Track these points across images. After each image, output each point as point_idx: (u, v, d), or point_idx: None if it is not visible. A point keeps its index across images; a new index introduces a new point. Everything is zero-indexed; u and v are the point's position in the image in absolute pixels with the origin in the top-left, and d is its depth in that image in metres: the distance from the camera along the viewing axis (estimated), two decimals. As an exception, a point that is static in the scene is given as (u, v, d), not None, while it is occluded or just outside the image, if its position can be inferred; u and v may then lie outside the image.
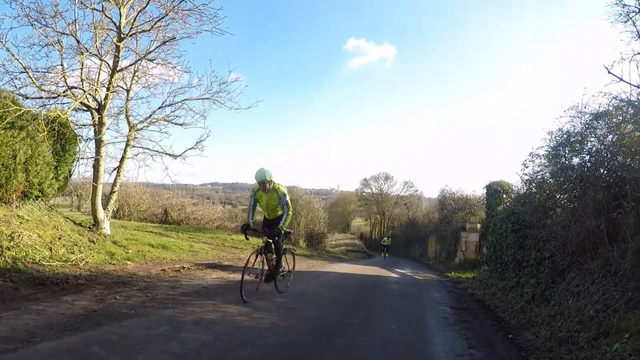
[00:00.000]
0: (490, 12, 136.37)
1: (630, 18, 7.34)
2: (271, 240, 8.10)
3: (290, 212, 8.19)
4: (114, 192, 12.99)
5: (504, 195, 15.84)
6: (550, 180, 10.52)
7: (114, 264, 9.99)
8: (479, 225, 22.12)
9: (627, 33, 7.41)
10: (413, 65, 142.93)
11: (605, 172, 8.28)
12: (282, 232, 8.06)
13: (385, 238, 38.96)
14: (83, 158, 12.11)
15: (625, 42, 7.47)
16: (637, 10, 7.21)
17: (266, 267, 8.16)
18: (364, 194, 64.07)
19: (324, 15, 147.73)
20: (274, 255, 8.37)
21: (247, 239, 8.45)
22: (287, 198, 8.12)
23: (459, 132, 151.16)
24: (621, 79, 7.55)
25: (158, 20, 12.28)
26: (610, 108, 8.48)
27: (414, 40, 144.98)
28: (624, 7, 7.40)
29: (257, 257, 7.82)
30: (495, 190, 16.61)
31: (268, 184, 7.89)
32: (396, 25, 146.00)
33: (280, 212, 8.26)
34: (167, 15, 12.22)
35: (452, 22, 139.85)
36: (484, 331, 7.15)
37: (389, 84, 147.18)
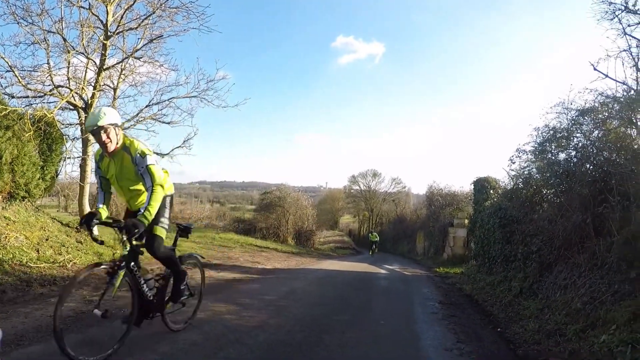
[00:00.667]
0: (481, 11, 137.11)
1: (616, 16, 7.43)
2: (138, 244, 4.60)
3: (160, 190, 4.48)
4: None
5: (492, 191, 15.98)
6: (537, 175, 10.62)
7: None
8: (466, 221, 22.26)
9: (613, 30, 7.51)
10: (402, 63, 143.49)
11: (591, 167, 8.38)
12: (148, 224, 4.40)
13: (372, 234, 36.04)
14: (70, 158, 12.03)
15: (611, 39, 7.58)
16: (623, 8, 7.31)
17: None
18: (352, 191, 64.06)
19: (313, 12, 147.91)
20: (162, 272, 5.27)
21: (99, 241, 4.81)
22: (151, 161, 4.41)
23: (447, 129, 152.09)
24: (607, 76, 7.66)
25: (145, 18, 12.23)
26: (596, 104, 8.58)
27: (403, 38, 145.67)
28: (610, 5, 7.50)
29: (110, 274, 4.22)
30: (482, 186, 16.74)
31: (106, 137, 4.26)
32: (385, 22, 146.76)
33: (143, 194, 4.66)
34: (154, 13, 12.18)
35: (442, 20, 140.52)
36: (473, 325, 7.21)
37: (377, 81, 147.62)
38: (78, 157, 11.99)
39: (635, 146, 7.27)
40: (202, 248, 16.58)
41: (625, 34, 7.29)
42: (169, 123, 13.59)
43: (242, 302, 7.45)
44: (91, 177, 12.24)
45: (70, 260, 9.18)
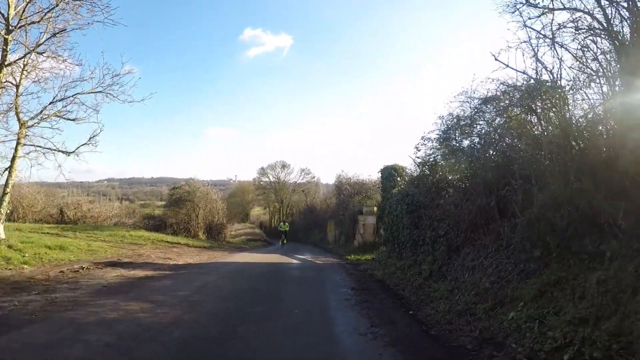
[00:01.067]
0: (386, 5, 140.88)
1: (518, 9, 7.70)
2: None
3: None
4: (7, 193, 12.11)
5: (399, 178, 16.40)
6: (442, 162, 10.96)
7: (10, 269, 9.46)
8: (375, 208, 22.74)
9: (514, 23, 7.79)
10: (309, 55, 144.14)
11: (494, 153, 8.76)
12: None
13: (282, 223, 34.85)
14: None
15: (512, 31, 7.86)
16: (524, 1, 7.59)
17: None
18: (261, 183, 63.58)
19: (220, 6, 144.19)
20: None
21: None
22: None
23: (355, 119, 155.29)
24: (507, 66, 7.95)
25: (48, 11, 11.73)
26: (498, 93, 8.95)
27: (310, 29, 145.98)
28: (511, -1, 7.77)
29: None
30: (389, 174, 17.14)
31: None
32: (293, 14, 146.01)
33: None
34: (57, 5, 11.81)
35: (348, 14, 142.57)
36: (385, 309, 7.34)
37: (285, 74, 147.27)
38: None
39: (536, 132, 7.63)
40: (112, 247, 15.83)
41: (526, 26, 7.58)
42: (74, 120, 13.11)
43: (155, 299, 7.33)
44: None
45: None
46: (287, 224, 34.32)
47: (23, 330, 5.12)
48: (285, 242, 31.82)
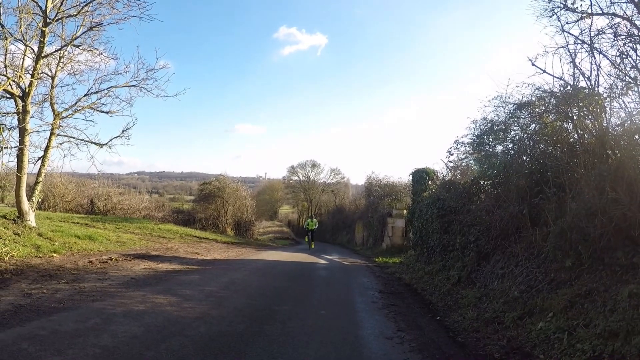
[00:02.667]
0: (421, 8, 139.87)
1: (555, 13, 7.60)
2: None
3: None
4: (39, 182, 12.41)
5: (430, 182, 16.26)
6: (475, 167, 10.85)
7: (40, 257, 9.61)
8: (405, 211, 22.63)
9: (551, 27, 7.69)
10: (343, 55, 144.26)
11: (527, 159, 8.62)
12: None
13: (310, 220, 27.87)
14: (7, 147, 11.40)
15: (549, 35, 7.76)
16: (561, 5, 7.47)
17: None
18: (291, 181, 63.77)
19: (256, 1, 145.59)
20: None
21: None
22: None
23: (387, 121, 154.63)
24: (544, 71, 7.85)
25: (85, 5, 11.85)
26: (533, 98, 8.83)
27: (345, 30, 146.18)
28: (549, 2, 7.67)
29: None
30: (421, 177, 17.00)
31: None
32: (329, 14, 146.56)
33: None
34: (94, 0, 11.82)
35: (383, 15, 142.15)
36: (412, 314, 7.28)
37: (318, 73, 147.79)
38: (15, 147, 11.39)
39: (571, 139, 7.51)
40: (141, 239, 16.11)
41: (564, 31, 7.49)
42: (107, 112, 13.24)
43: (183, 293, 7.36)
44: (28, 168, 11.86)
45: (8, 253, 8.95)
46: (315, 220, 28.11)
47: (51, 318, 5.22)
48: (312, 244, 26.39)
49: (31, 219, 11.85)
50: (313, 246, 26.10)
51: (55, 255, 10.01)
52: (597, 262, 5.43)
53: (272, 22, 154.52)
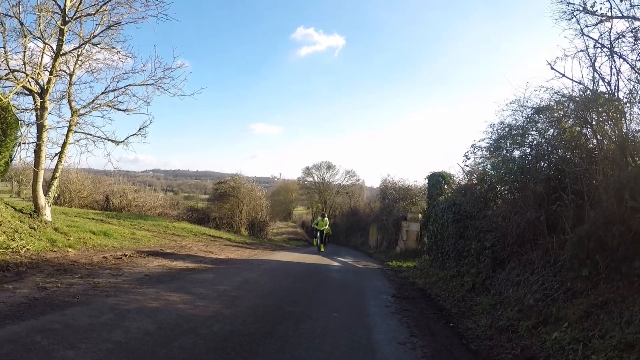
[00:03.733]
0: (440, 11, 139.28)
1: (575, 16, 7.48)
2: None
3: None
4: (56, 178, 12.62)
5: (446, 186, 16.09)
6: (492, 172, 10.73)
7: (55, 251, 9.70)
8: (420, 215, 22.45)
9: (570, 30, 7.57)
10: (360, 57, 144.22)
11: (545, 165, 8.50)
12: None
13: (320, 218, 23.97)
14: (24, 143, 11.63)
15: (568, 39, 7.64)
16: (581, 8, 7.35)
17: None
18: (306, 182, 63.76)
19: (274, 3, 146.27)
20: None
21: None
22: None
23: (404, 124, 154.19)
24: (563, 75, 7.73)
25: (103, 4, 12.02)
26: (552, 103, 8.70)
27: (363, 32, 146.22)
28: (568, 5, 7.55)
29: None
30: (437, 181, 16.85)
31: None
32: (347, 15, 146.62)
33: None
34: None
35: (401, 16, 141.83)
36: (426, 319, 7.24)
37: (336, 74, 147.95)
38: (33, 143, 11.63)
39: (590, 145, 7.38)
40: (155, 237, 16.28)
41: (583, 34, 7.36)
42: (124, 110, 13.43)
43: (196, 291, 7.42)
44: (45, 163, 12.03)
45: (24, 247, 9.04)
46: (326, 219, 24.11)
47: (65, 312, 5.26)
48: (322, 246, 22.96)
49: (47, 213, 12.01)
50: (323, 249, 22.53)
51: (70, 250, 10.13)
52: (615, 272, 5.32)
53: (290, 23, 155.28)
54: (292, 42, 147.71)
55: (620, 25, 7.01)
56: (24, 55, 11.11)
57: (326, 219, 24.15)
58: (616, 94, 6.87)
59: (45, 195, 12.06)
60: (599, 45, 7.12)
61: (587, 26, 7.34)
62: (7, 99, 10.05)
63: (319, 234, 23.17)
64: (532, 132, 9.31)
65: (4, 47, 10.89)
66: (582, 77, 7.57)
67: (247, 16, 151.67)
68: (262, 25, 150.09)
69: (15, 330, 4.36)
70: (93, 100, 12.99)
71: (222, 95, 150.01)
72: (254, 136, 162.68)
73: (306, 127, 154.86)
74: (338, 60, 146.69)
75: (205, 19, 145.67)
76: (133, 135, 13.46)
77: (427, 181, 18.46)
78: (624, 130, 6.54)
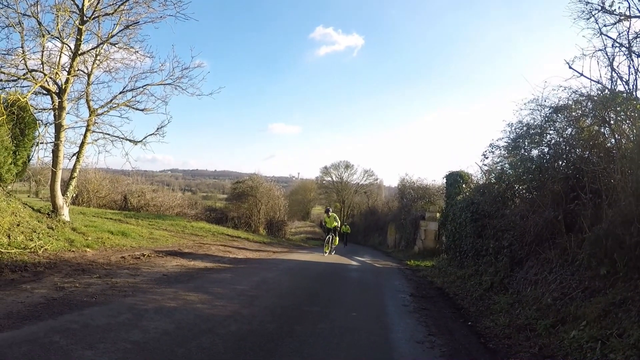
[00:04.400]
0: (458, 12, 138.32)
1: (593, 15, 7.49)
2: None
3: None
4: (74, 177, 12.77)
5: (464, 185, 16.04)
6: (510, 171, 10.71)
7: (73, 251, 9.79)
8: (438, 214, 22.40)
9: (588, 30, 7.57)
10: (380, 57, 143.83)
11: (563, 164, 8.47)
12: None
13: (326, 215, 19.65)
14: (42, 143, 11.87)
15: (586, 38, 7.65)
16: (599, 8, 7.36)
17: None
18: (324, 182, 63.86)
19: (293, 2, 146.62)
20: None
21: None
22: None
23: (423, 123, 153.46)
24: (582, 74, 7.74)
25: (121, 4, 12.11)
26: (570, 102, 8.67)
27: (382, 31, 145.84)
28: (586, 5, 7.55)
29: None
30: (455, 180, 16.80)
31: None
32: (366, 15, 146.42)
33: None
34: None
35: (420, 18, 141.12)
36: (444, 318, 7.25)
37: (354, 73, 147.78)
38: (51, 143, 11.79)
39: (608, 145, 7.36)
40: (174, 236, 16.41)
41: (601, 33, 7.37)
42: (142, 110, 13.56)
43: (214, 291, 7.45)
44: (63, 163, 12.15)
45: (42, 246, 9.09)
46: (333, 214, 19.54)
47: (83, 312, 5.32)
48: (328, 247, 18.95)
49: (65, 213, 12.16)
50: (327, 250, 18.87)
51: (88, 250, 10.24)
52: (633, 270, 5.32)
53: (308, 22, 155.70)
54: (311, 42, 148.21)
55: (638, 25, 7.00)
56: (42, 55, 11.27)
57: (332, 214, 19.63)
58: (634, 93, 6.86)
59: (63, 195, 12.18)
60: (617, 44, 7.13)
61: (605, 25, 7.35)
62: (25, 99, 10.20)
63: (331, 235, 18.89)
64: (550, 132, 9.28)
65: (22, 47, 11.03)
66: (600, 77, 7.58)
67: (266, 15, 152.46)
68: (280, 24, 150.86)
69: (33, 330, 4.42)
70: (111, 100, 13.13)
71: (240, 95, 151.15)
72: (272, 136, 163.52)
73: (325, 126, 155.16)
74: (357, 60, 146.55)
75: (224, 19, 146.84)
76: (151, 134, 13.57)
77: (445, 180, 18.43)
78: (643, 130, 6.53)
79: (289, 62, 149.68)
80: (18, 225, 9.49)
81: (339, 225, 20.30)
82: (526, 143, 9.83)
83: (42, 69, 11.16)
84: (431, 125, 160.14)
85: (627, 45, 6.91)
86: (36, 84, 10.83)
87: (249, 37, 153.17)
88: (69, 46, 11.82)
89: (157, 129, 13.57)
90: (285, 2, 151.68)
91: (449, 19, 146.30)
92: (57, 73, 11.53)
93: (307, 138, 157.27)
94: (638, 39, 6.83)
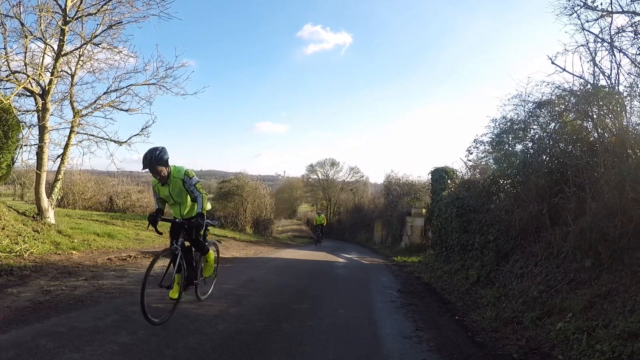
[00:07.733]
0: (444, 8, 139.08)
1: (575, 11, 7.55)
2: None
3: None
4: (59, 180, 12.52)
5: (449, 181, 16.14)
6: (494, 166, 10.80)
7: (59, 253, 9.64)
8: (424, 210, 22.54)
9: (571, 26, 7.64)
10: (368, 55, 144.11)
11: (547, 158, 8.55)
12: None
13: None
14: (26, 145, 11.52)
15: (569, 34, 7.72)
16: (582, 3, 7.42)
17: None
18: (310, 180, 63.79)
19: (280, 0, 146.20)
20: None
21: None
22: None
23: (408, 120, 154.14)
24: (564, 70, 7.81)
25: (104, 4, 11.88)
26: (553, 97, 8.77)
27: (370, 29, 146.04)
28: (569, 1, 7.62)
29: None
30: (440, 176, 16.91)
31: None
32: (354, 13, 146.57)
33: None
34: None
35: (408, 15, 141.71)
36: (431, 313, 7.30)
37: (342, 72, 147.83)
38: (35, 145, 11.51)
39: (591, 139, 7.44)
40: (160, 237, 16.21)
41: (584, 29, 7.43)
42: (127, 110, 13.33)
43: (201, 291, 7.32)
44: (48, 165, 11.91)
45: (27, 250, 8.96)
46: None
47: (70, 315, 5.30)
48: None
49: (50, 216, 11.93)
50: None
51: (74, 252, 10.07)
52: (617, 262, 5.40)
53: (296, 20, 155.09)
54: (299, 40, 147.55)
55: (620, 20, 7.12)
56: (25, 56, 11.04)
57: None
58: (616, 87, 6.94)
59: (48, 197, 11.97)
60: (599, 39, 7.20)
61: (587, 21, 7.41)
62: (9, 101, 9.97)
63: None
64: (534, 126, 9.38)
65: (4, 48, 10.78)
66: (583, 72, 7.65)
67: (252, 14, 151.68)
68: (268, 23, 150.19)
69: (20, 335, 4.37)
70: (95, 101, 12.89)
71: (227, 94, 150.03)
72: (259, 134, 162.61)
73: (312, 125, 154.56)
74: (345, 58, 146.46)
75: (210, 17, 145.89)
76: (136, 135, 13.32)
77: (430, 176, 18.54)
78: (625, 123, 6.61)
79: (277, 61, 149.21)
80: (3, 228, 9.33)
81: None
82: (510, 138, 9.92)
83: (25, 71, 10.94)
84: (417, 122, 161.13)
85: (609, 40, 6.98)
86: (19, 85, 10.63)
87: (236, 36, 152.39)
88: (52, 47, 11.61)
89: (142, 129, 13.34)
90: (273, 0, 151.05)
91: (437, 16, 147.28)
92: (40, 74, 11.30)
93: (294, 137, 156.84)
94: (620, 35, 6.90)
